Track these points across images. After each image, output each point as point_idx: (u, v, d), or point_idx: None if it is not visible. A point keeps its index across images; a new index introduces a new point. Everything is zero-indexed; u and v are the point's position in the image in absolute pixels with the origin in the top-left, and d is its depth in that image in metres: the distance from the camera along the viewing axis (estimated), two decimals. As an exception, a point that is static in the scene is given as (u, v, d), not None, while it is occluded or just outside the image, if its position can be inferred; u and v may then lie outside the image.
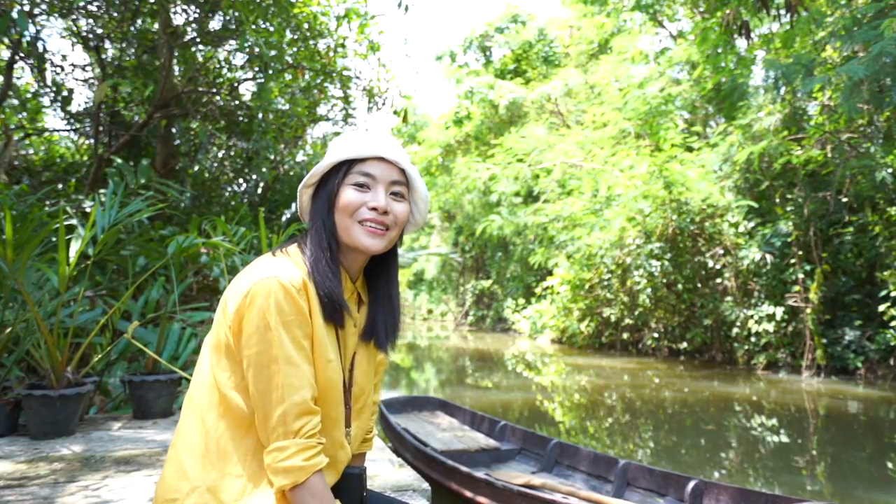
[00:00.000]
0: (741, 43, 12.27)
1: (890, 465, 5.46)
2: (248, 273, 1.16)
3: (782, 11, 10.40)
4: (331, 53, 7.55)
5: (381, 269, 1.33)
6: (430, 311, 28.97)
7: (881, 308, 9.73)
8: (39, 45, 6.52)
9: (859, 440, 6.40)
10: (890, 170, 9.37)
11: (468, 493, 3.75)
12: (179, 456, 1.14)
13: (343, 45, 7.63)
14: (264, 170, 7.82)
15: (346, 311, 1.20)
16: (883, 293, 9.71)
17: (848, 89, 7.27)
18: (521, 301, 19.91)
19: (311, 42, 7.29)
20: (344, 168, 1.22)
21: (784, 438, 6.42)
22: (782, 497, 3.27)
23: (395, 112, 8.06)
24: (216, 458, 1.11)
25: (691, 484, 3.57)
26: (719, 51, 12.40)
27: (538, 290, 17.55)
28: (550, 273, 16.76)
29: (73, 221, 3.77)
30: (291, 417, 1.08)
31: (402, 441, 4.67)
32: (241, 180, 8.70)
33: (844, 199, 10.77)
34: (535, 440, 4.75)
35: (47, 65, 6.76)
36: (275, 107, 7.54)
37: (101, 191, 5.33)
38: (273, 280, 1.10)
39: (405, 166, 1.24)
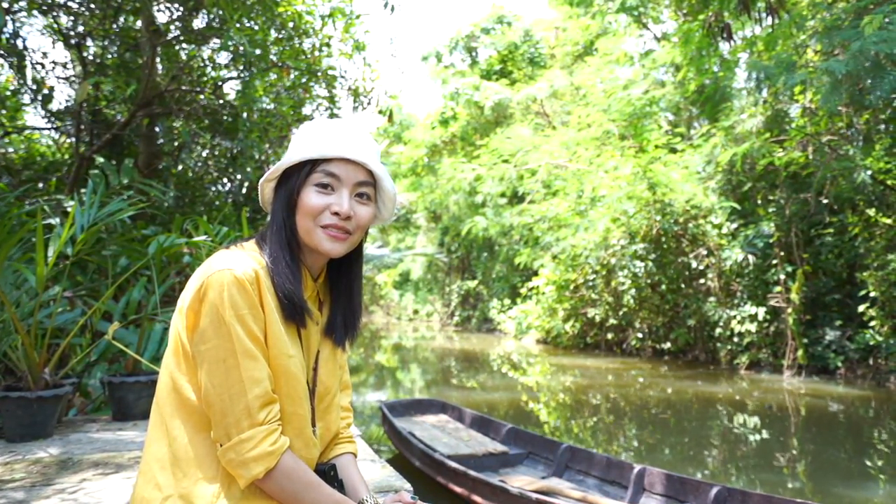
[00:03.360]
0: (725, 46, 12.38)
1: (868, 462, 5.54)
2: (201, 269, 1.13)
3: (764, 14, 10.52)
4: (316, 53, 7.51)
5: (343, 266, 1.30)
6: (415, 312, 28.93)
7: (861, 308, 9.87)
8: (19, 41, 6.44)
9: (839, 438, 6.48)
10: (869, 172, 9.50)
11: (480, 500, 3.67)
12: (150, 466, 1.12)
13: (328, 45, 7.59)
14: (249, 169, 7.75)
15: (306, 311, 1.18)
16: (862, 293, 9.84)
17: (828, 89, 7.34)
18: (507, 301, 19.94)
19: (296, 41, 7.24)
20: (307, 167, 1.17)
21: (766, 437, 6.49)
22: None
23: (380, 112, 8.03)
24: (185, 464, 1.09)
25: (714, 491, 3.43)
26: (703, 53, 12.51)
27: (523, 291, 17.59)
28: (536, 273, 16.81)
29: (53, 220, 3.72)
30: (256, 409, 1.07)
31: (409, 445, 4.60)
32: (225, 180, 8.63)
33: (825, 201, 10.91)
34: (545, 444, 4.66)
35: (27, 62, 6.66)
36: (259, 106, 7.49)
37: (83, 190, 5.26)
38: (227, 273, 1.08)
39: (372, 167, 1.19)
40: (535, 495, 3.34)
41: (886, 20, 6.82)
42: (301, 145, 1.19)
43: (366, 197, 1.20)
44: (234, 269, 1.09)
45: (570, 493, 3.80)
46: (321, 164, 1.17)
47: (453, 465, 3.95)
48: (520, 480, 4.04)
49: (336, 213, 1.16)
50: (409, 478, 4.51)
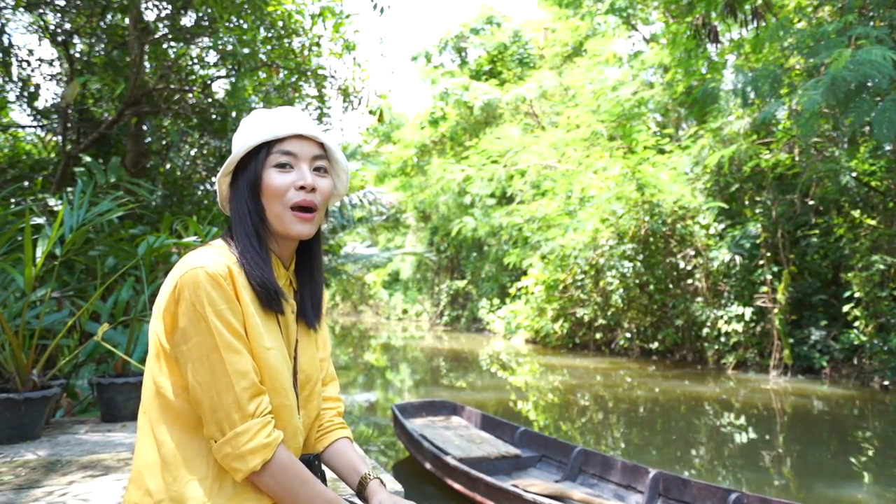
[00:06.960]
0: (712, 48, 12.48)
1: (853, 461, 5.61)
2: (173, 271, 1.13)
3: (750, 17, 10.61)
4: (305, 52, 7.48)
5: (305, 247, 1.31)
6: (405, 312, 28.89)
7: (845, 308, 9.98)
8: (4, 38, 6.37)
9: (824, 437, 6.55)
10: (854, 173, 9.61)
11: None
12: (139, 472, 1.12)
13: (318, 44, 7.57)
14: (237, 169, 7.71)
15: (282, 297, 1.19)
16: (847, 294, 9.96)
17: (806, 119, 7.35)
18: (496, 301, 19.97)
19: (286, 40, 7.22)
20: (263, 150, 1.19)
21: (752, 436, 6.55)
22: None
23: (370, 111, 8.03)
24: (175, 467, 1.09)
25: (732, 497, 3.39)
26: (690, 55, 12.59)
27: (512, 291, 17.63)
28: (525, 273, 16.85)
29: (40, 220, 3.69)
30: (245, 401, 1.07)
31: (420, 448, 4.56)
32: (213, 179, 8.59)
33: (811, 202, 11.03)
34: (558, 447, 4.61)
35: (12, 59, 6.59)
36: (248, 105, 7.45)
37: (69, 189, 5.21)
38: (199, 271, 1.08)
39: (323, 140, 1.23)
40: (548, 501, 3.30)
41: (861, 41, 6.85)
42: (250, 133, 1.21)
43: (323, 170, 1.23)
44: (206, 266, 1.09)
45: (585, 497, 3.75)
46: (275, 145, 1.19)
47: (465, 468, 3.89)
48: (532, 484, 3.98)
49: (302, 188, 1.18)
50: (420, 481, 4.52)
